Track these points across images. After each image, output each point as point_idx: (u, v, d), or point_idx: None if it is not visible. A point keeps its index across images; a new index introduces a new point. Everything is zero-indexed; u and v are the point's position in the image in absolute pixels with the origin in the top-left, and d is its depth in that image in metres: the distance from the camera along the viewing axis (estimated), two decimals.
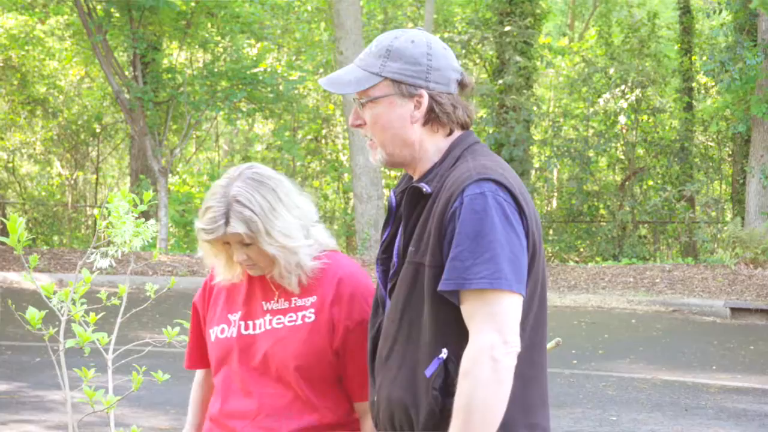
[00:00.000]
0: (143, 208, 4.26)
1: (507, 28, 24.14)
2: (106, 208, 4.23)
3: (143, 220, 4.30)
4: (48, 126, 30.00)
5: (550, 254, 25.53)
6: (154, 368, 4.44)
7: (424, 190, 2.96)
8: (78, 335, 4.05)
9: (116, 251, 4.29)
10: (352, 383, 3.35)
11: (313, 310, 3.32)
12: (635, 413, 9.80)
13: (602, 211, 26.19)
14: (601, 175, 26.99)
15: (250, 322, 3.39)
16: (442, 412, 2.87)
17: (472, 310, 2.80)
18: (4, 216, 28.28)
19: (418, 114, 3.02)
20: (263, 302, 3.40)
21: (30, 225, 27.97)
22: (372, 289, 3.35)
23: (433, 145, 3.05)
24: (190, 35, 25.10)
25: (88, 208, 30.66)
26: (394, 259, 3.05)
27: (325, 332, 3.30)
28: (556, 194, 28.76)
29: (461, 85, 3.09)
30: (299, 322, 3.33)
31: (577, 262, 24.62)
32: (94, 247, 4.31)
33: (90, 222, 30.11)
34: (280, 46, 29.73)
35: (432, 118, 3.04)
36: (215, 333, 3.44)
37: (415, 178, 3.08)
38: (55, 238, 29.43)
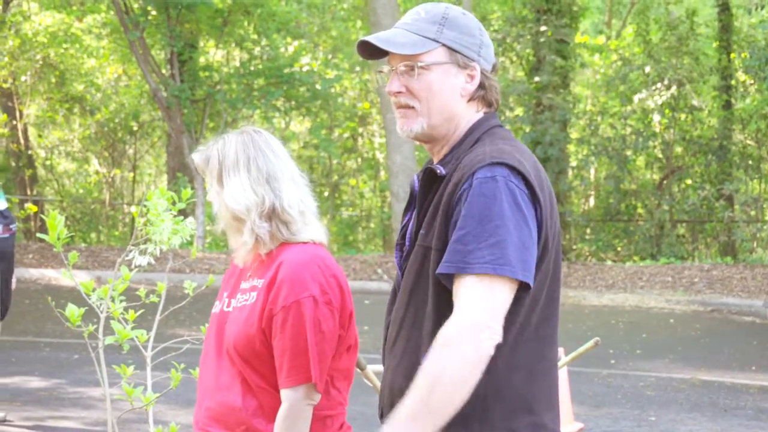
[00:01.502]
0: (182, 205, 4.26)
1: (543, 28, 24.04)
2: (145, 206, 4.23)
3: (182, 217, 4.29)
4: (85, 124, 30.16)
5: (588, 253, 25.41)
6: (192, 366, 4.43)
7: (438, 172, 2.85)
8: (117, 332, 4.05)
9: (155, 249, 4.28)
10: (276, 368, 3.36)
11: (257, 292, 3.38)
12: (674, 413, 9.73)
13: (640, 210, 26.03)
14: (638, 173, 26.83)
15: (232, 300, 3.50)
16: None
17: (467, 291, 2.66)
18: (43, 213, 28.47)
19: (470, 88, 2.93)
20: (242, 281, 3.51)
21: (68, 222, 28.13)
22: (315, 277, 3.33)
23: (465, 124, 2.95)
24: (227, 33, 25.19)
25: (125, 206, 30.81)
26: (407, 242, 2.97)
27: (258, 315, 3.33)
28: (593, 193, 28.61)
29: (494, 68, 3.01)
30: (248, 302, 3.40)
31: (614, 261, 24.49)
32: (133, 245, 4.30)
33: (127, 220, 30.25)
34: (317, 45, 29.77)
35: (478, 95, 2.95)
36: (213, 309, 3.59)
37: (438, 158, 2.97)
38: (93, 235, 29.59)
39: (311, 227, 3.45)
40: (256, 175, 3.40)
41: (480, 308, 2.62)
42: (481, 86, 2.94)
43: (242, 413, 3.35)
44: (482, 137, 2.91)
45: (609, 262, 23.69)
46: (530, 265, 2.69)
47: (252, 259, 3.45)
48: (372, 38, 2.92)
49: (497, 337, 2.62)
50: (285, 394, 3.31)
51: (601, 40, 30.71)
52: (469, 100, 2.94)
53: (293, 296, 3.29)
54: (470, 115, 2.96)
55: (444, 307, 2.77)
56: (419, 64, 2.89)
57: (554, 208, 2.87)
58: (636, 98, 24.99)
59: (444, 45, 2.90)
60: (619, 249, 25.71)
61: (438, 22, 2.91)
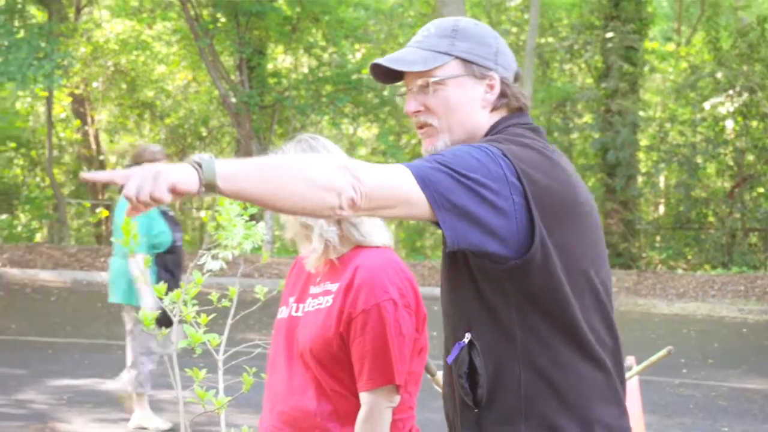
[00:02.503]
0: (253, 210, 4.26)
1: (610, 34, 23.88)
2: (216, 211, 4.24)
3: (253, 222, 4.30)
4: (156, 129, 30.47)
5: (658, 261, 25.18)
6: (263, 370, 4.44)
7: None
8: (190, 336, 4.06)
9: (227, 253, 4.30)
10: (355, 372, 3.35)
11: (332, 296, 3.38)
12: (747, 425, 9.59)
13: (711, 219, 25.74)
14: (709, 181, 26.54)
15: (301, 305, 3.51)
16: (478, 404, 2.73)
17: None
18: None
19: (491, 98, 2.83)
20: (311, 286, 3.51)
21: None
22: (392, 281, 3.32)
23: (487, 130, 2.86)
24: (296, 40, 25.30)
25: (194, 211, 31.04)
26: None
27: (336, 318, 3.33)
28: (663, 200, 28.36)
29: (516, 76, 2.90)
30: (322, 306, 3.40)
31: (685, 269, 24.24)
32: (205, 249, 4.32)
33: (197, 224, 30.49)
34: (384, 51, 29.84)
35: (501, 104, 2.85)
36: (277, 314, 3.61)
37: None
38: None
39: (379, 230, 3.45)
40: None
41: (380, 176, 2.48)
42: (503, 95, 2.84)
43: (316, 417, 3.36)
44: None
45: (679, 271, 23.46)
46: (443, 186, 2.51)
47: (323, 264, 3.46)
48: (382, 60, 2.85)
49: (357, 198, 2.45)
50: (365, 397, 3.31)
51: (670, 47, 30.44)
52: (492, 110, 2.85)
53: (373, 299, 3.29)
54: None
55: (461, 300, 2.76)
56: (432, 79, 2.81)
57: (572, 194, 2.71)
58: (707, 105, 24.70)
59: (457, 57, 2.82)
60: (689, 257, 25.45)
61: (448, 35, 2.84)
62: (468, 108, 2.82)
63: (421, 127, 2.87)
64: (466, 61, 2.81)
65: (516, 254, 2.61)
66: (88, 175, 2.33)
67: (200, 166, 2.33)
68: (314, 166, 2.44)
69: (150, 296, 8.17)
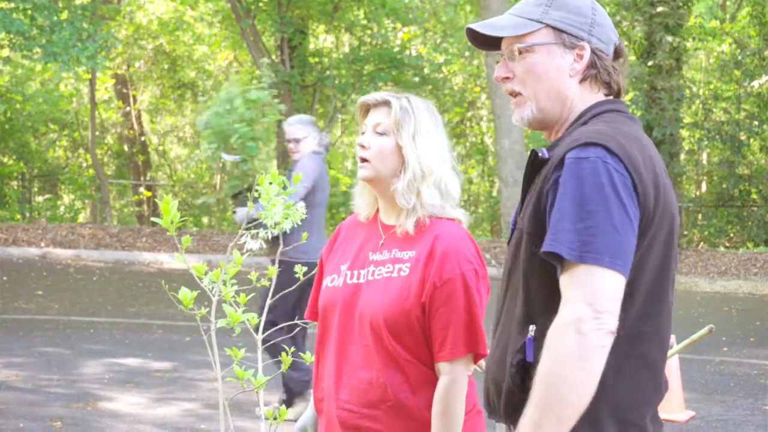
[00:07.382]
0: (293, 190, 4.28)
1: (659, 9, 23.68)
2: (256, 191, 4.26)
3: (293, 202, 4.32)
4: (197, 110, 30.58)
5: (699, 239, 25.02)
6: (301, 348, 4.46)
7: (540, 155, 2.71)
8: (229, 315, 4.09)
9: (266, 233, 4.32)
10: (434, 341, 3.30)
11: (409, 265, 3.32)
12: None
13: (754, 196, 25.54)
14: (753, 158, 26.32)
15: (356, 272, 3.44)
16: (524, 392, 2.64)
17: (564, 280, 2.54)
18: (155, 198, 29.00)
19: (578, 67, 2.80)
20: (370, 253, 3.44)
21: (180, 207, 28.57)
22: (471, 251, 3.31)
23: (582, 105, 2.81)
24: (337, 19, 25.30)
25: None
26: (512, 225, 2.87)
27: (416, 288, 3.28)
28: (705, 178, 28.15)
29: (617, 52, 2.87)
30: (395, 274, 3.34)
31: (727, 247, 24.08)
32: (245, 229, 4.34)
33: None
34: (426, 30, 29.78)
35: (591, 75, 2.81)
36: (326, 282, 3.53)
37: (551, 141, 2.85)
38: (204, 220, 30.00)
39: (454, 203, 3.43)
40: (442, 141, 3.43)
41: (576, 300, 2.50)
42: (592, 65, 2.81)
43: (388, 389, 3.32)
44: (591, 120, 2.77)
45: (722, 249, 23.31)
46: (623, 252, 2.52)
47: (408, 230, 3.38)
48: (475, 24, 2.86)
49: (607, 325, 2.48)
50: (446, 366, 3.28)
51: (715, 23, 30.15)
52: (582, 81, 2.82)
53: (458, 268, 3.27)
54: (587, 96, 2.84)
55: (532, 291, 2.70)
56: (519, 45, 2.80)
57: (667, 200, 2.68)
58: (756, 84, 24.44)
59: (548, 25, 2.80)
60: (732, 235, 25.28)
61: (544, 3, 2.83)
62: (555, 76, 2.80)
63: (512, 96, 2.87)
64: (557, 30, 2.80)
65: None
66: None
67: None
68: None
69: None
